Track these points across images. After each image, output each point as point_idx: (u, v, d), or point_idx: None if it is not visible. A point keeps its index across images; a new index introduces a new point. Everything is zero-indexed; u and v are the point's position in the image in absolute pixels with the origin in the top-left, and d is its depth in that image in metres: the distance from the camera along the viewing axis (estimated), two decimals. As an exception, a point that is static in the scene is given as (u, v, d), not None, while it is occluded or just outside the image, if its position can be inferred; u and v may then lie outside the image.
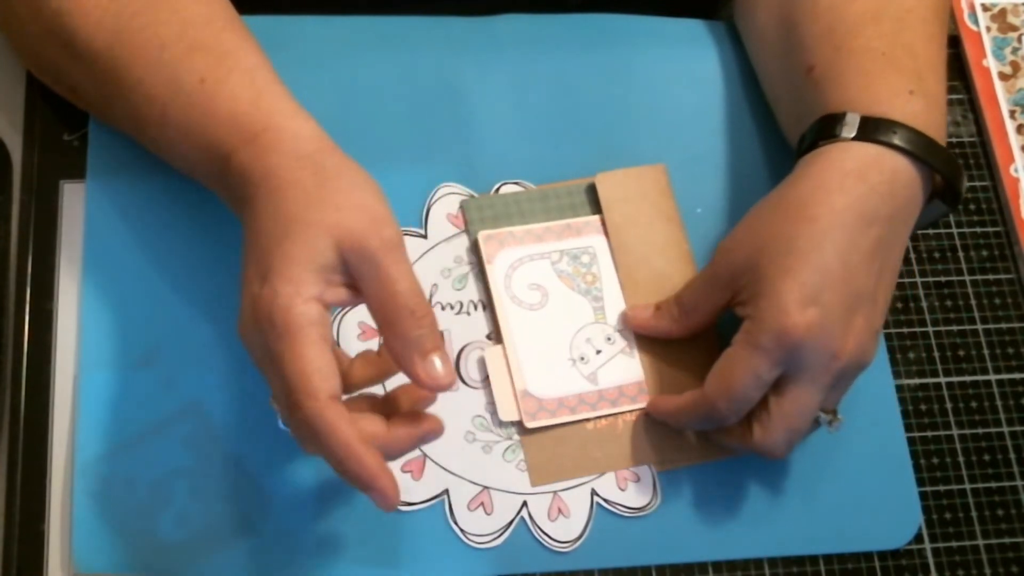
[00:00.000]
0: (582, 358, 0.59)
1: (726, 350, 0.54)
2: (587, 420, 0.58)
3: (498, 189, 0.63)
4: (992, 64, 0.71)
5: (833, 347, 0.53)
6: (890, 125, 0.55)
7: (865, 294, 0.54)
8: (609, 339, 0.60)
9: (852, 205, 0.54)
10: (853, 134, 0.55)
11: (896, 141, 0.55)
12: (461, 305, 0.60)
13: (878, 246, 0.54)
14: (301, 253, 0.48)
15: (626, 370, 0.59)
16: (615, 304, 0.61)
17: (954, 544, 0.59)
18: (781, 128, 0.64)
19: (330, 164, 0.51)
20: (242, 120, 0.52)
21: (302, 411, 0.47)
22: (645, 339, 0.60)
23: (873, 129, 0.55)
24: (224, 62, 0.53)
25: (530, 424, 0.57)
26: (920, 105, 0.57)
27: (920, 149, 0.55)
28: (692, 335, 0.59)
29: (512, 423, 0.58)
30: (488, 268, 0.60)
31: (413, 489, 0.56)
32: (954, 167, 0.57)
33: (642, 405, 0.58)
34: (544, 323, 0.59)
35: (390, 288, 0.49)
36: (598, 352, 0.59)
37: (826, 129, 0.57)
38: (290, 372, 0.47)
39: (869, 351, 0.55)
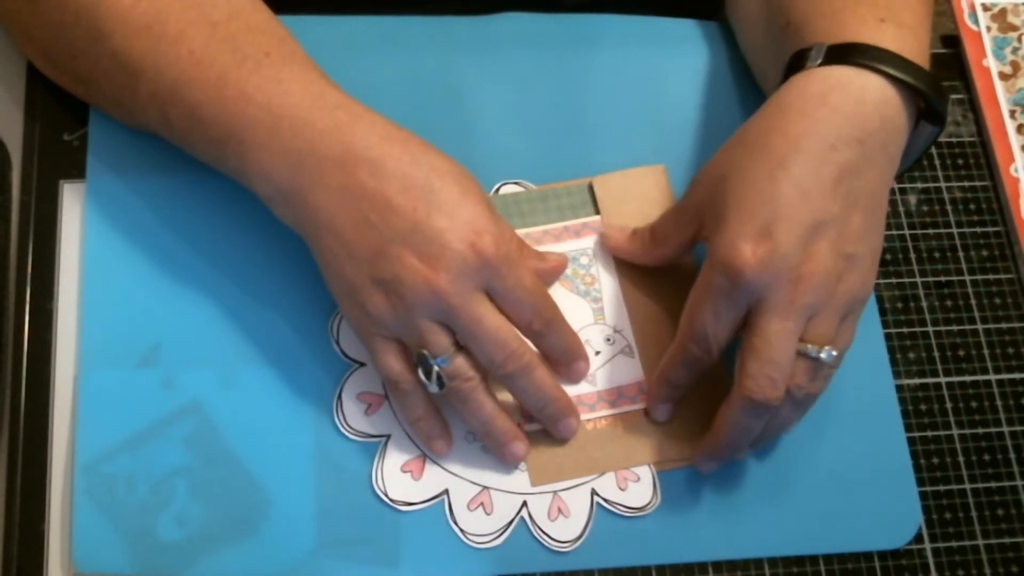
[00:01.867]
0: None
1: (690, 293, 0.55)
2: (587, 421, 0.58)
3: (498, 189, 0.63)
4: (992, 64, 0.71)
5: (791, 276, 0.52)
6: (857, 48, 0.55)
7: (828, 219, 0.52)
8: (608, 340, 0.60)
9: (810, 129, 0.53)
10: (819, 62, 0.55)
11: (864, 61, 0.54)
12: (461, 305, 0.60)
13: (844, 170, 0.53)
14: (484, 198, 0.54)
15: (625, 371, 0.59)
16: (614, 305, 0.61)
17: (954, 544, 0.59)
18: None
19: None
20: (316, 90, 0.54)
21: (549, 310, 0.56)
22: (648, 339, 0.60)
23: (839, 54, 0.55)
24: (285, 44, 0.55)
25: (528, 428, 0.57)
26: (892, 31, 0.56)
27: (891, 66, 0.54)
28: (663, 264, 0.60)
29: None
30: None
31: (413, 489, 0.56)
32: (931, 81, 0.55)
33: (641, 406, 0.58)
34: None
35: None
36: (597, 353, 0.59)
37: (794, 65, 0.56)
38: (537, 289, 0.55)
39: (846, 275, 0.53)
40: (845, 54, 0.55)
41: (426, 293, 0.51)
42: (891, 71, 0.54)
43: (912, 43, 0.56)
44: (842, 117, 0.53)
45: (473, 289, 0.52)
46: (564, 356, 0.57)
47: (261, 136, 0.53)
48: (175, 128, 0.56)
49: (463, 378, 0.54)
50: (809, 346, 0.53)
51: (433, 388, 0.54)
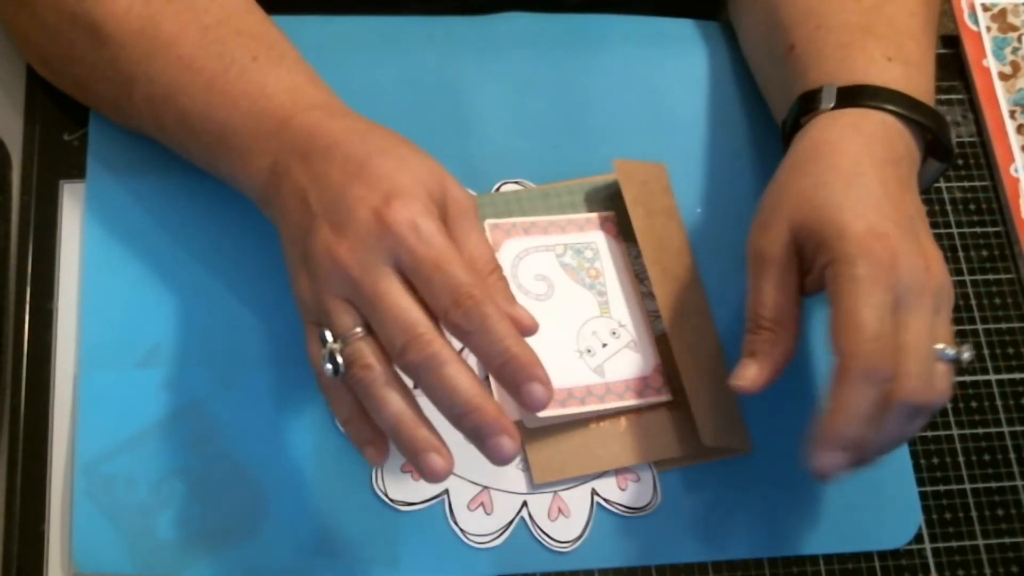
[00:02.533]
0: (588, 350, 0.59)
1: (831, 308, 0.50)
2: (592, 415, 0.58)
3: (498, 188, 0.63)
4: (992, 64, 0.71)
5: (920, 262, 0.51)
6: (868, 90, 0.55)
7: (916, 217, 0.53)
8: (614, 333, 0.60)
9: (864, 149, 0.53)
10: (832, 104, 0.56)
11: (876, 104, 0.55)
12: (461, 305, 0.60)
13: (900, 179, 0.54)
14: (423, 184, 0.49)
15: (631, 364, 0.59)
16: (619, 299, 0.61)
17: (954, 544, 0.59)
18: (773, 115, 0.64)
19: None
20: (300, 93, 0.53)
21: (475, 301, 0.46)
22: (653, 335, 0.60)
23: (851, 96, 0.56)
24: (274, 47, 0.55)
25: (540, 413, 0.56)
26: (899, 70, 0.57)
27: (900, 106, 0.55)
28: (795, 346, 0.54)
29: (513, 423, 0.58)
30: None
31: (413, 489, 0.56)
32: (939, 120, 0.56)
33: (646, 400, 0.58)
34: (551, 314, 0.59)
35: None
36: (604, 345, 0.59)
37: (805, 106, 0.57)
38: (459, 268, 0.46)
39: (946, 273, 0.53)
40: (856, 96, 0.55)
41: (328, 264, 0.47)
42: (903, 112, 0.55)
43: (919, 80, 0.57)
44: (878, 142, 0.54)
45: (379, 262, 0.47)
46: (504, 369, 0.47)
47: (245, 141, 0.53)
48: (169, 133, 0.56)
49: (360, 364, 0.47)
50: (946, 348, 0.51)
51: (327, 370, 0.48)
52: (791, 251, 0.53)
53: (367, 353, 0.48)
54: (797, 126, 0.57)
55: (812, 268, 0.53)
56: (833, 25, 0.59)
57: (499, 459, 0.47)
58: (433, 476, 0.47)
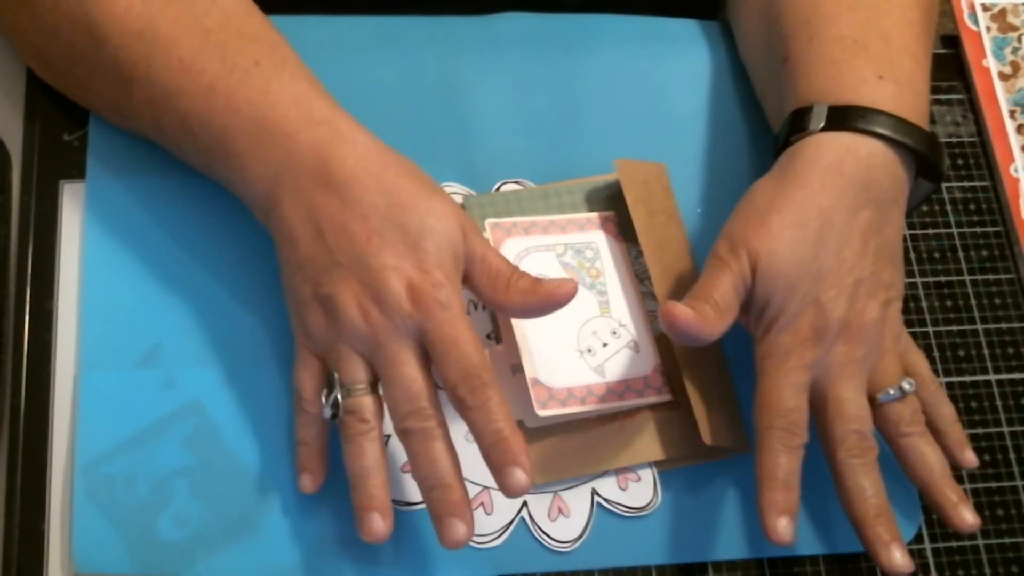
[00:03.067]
0: (589, 350, 0.59)
1: (761, 378, 0.55)
2: (592, 415, 0.58)
3: (498, 188, 0.63)
4: (992, 64, 0.71)
5: (845, 335, 0.55)
6: (858, 111, 0.56)
7: (864, 278, 0.55)
8: (615, 333, 0.60)
9: (838, 202, 0.55)
10: (821, 125, 0.56)
11: (865, 127, 0.55)
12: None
13: (868, 231, 0.55)
14: (447, 244, 0.52)
15: (631, 364, 0.59)
16: (620, 299, 0.61)
17: (954, 544, 0.59)
18: (769, 122, 0.65)
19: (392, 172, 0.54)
20: (303, 103, 0.54)
21: (483, 382, 0.50)
22: (653, 335, 0.60)
23: (841, 118, 0.56)
24: (276, 52, 0.55)
25: (542, 412, 0.56)
26: (890, 89, 0.57)
27: (891, 130, 0.56)
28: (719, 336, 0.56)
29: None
30: None
31: (413, 489, 0.56)
32: (930, 143, 0.57)
33: (646, 400, 0.58)
34: (551, 314, 0.59)
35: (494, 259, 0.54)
36: (604, 345, 0.59)
37: (796, 123, 0.57)
38: (474, 349, 0.51)
39: (888, 319, 0.56)
40: (846, 118, 0.56)
41: (358, 321, 0.51)
42: (892, 135, 0.56)
43: (911, 99, 0.57)
44: (859, 185, 0.55)
45: (403, 333, 0.51)
46: (492, 449, 0.50)
47: (246, 146, 0.53)
48: (168, 135, 0.56)
49: (359, 417, 0.52)
50: (890, 390, 0.56)
51: (326, 412, 0.52)
52: (747, 281, 0.55)
53: (368, 408, 0.52)
54: (788, 143, 0.58)
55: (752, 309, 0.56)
56: (827, 37, 0.59)
57: (451, 540, 0.50)
58: (371, 537, 0.51)
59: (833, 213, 0.55)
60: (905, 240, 0.66)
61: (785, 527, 0.52)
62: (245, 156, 0.53)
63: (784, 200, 0.55)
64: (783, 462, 0.53)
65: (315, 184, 0.52)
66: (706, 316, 0.54)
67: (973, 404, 0.63)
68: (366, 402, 0.52)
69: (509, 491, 0.50)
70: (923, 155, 0.57)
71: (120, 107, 0.57)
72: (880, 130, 0.55)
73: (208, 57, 0.54)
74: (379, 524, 0.51)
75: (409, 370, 0.51)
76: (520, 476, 0.50)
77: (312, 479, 0.54)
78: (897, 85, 0.57)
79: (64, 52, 0.57)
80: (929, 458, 0.56)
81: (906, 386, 0.56)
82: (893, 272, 0.57)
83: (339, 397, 0.52)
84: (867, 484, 0.54)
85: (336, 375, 0.52)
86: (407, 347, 0.51)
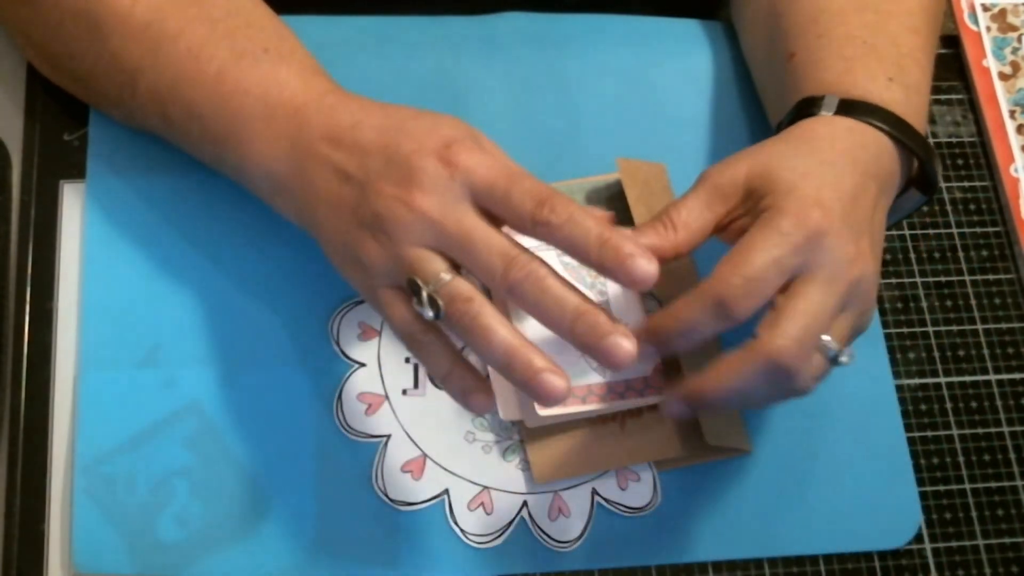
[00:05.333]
0: None
1: (741, 239, 0.50)
2: (593, 415, 0.58)
3: (498, 189, 0.63)
4: (992, 64, 0.71)
5: (849, 250, 0.51)
6: (867, 106, 0.56)
7: (864, 227, 0.53)
8: None
9: (850, 150, 0.54)
10: (831, 113, 0.56)
11: (873, 121, 0.55)
12: (461, 305, 0.60)
13: (870, 194, 0.54)
14: (462, 124, 0.50)
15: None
16: (620, 299, 0.61)
17: (954, 544, 0.59)
18: (768, 117, 0.65)
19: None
20: (312, 82, 0.53)
21: (560, 198, 0.47)
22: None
23: (851, 109, 0.56)
24: (284, 41, 0.55)
25: (542, 412, 0.56)
26: (899, 94, 0.57)
27: (897, 130, 0.55)
28: (678, 256, 0.53)
29: (513, 423, 0.58)
30: None
31: (413, 489, 0.56)
32: (930, 151, 0.57)
33: (647, 400, 0.58)
34: None
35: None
36: None
37: (804, 110, 0.57)
38: (530, 177, 0.48)
39: (874, 284, 0.53)
40: (856, 111, 0.56)
41: (405, 216, 0.48)
42: (898, 136, 0.55)
43: (917, 106, 0.57)
44: (868, 152, 0.54)
45: (455, 200, 0.48)
46: (603, 252, 0.47)
47: (258, 127, 0.53)
48: (175, 126, 0.56)
49: (462, 299, 0.47)
50: (832, 342, 0.50)
51: (428, 314, 0.48)
52: (736, 187, 0.53)
53: (465, 288, 0.48)
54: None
55: (746, 214, 0.53)
56: (836, 36, 0.59)
57: (617, 360, 0.47)
58: (553, 397, 0.47)
59: (844, 155, 0.53)
60: (905, 240, 0.66)
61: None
62: (256, 136, 0.53)
63: (789, 136, 0.55)
64: (705, 322, 0.49)
65: (328, 144, 0.51)
66: (650, 242, 0.52)
67: (973, 404, 0.63)
68: (460, 284, 0.48)
69: (637, 276, 0.47)
70: (922, 162, 0.57)
71: (123, 100, 0.57)
72: (886, 127, 0.55)
73: (216, 45, 0.54)
74: (557, 382, 0.47)
75: (482, 231, 0.48)
76: (643, 264, 0.47)
77: (484, 395, 0.49)
78: (905, 90, 0.57)
79: (66, 47, 0.57)
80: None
81: (844, 358, 0.51)
82: (878, 253, 0.54)
83: (428, 292, 0.48)
84: (753, 384, 0.49)
85: (416, 280, 0.48)
86: (467, 211, 0.48)
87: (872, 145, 0.55)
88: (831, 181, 0.52)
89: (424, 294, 0.48)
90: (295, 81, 0.53)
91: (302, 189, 0.52)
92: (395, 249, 0.49)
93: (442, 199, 0.48)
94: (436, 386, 0.58)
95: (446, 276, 0.48)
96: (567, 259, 0.61)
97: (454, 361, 0.50)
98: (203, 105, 0.54)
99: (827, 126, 0.55)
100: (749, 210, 0.53)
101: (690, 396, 0.51)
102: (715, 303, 0.49)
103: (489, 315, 0.48)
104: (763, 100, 0.66)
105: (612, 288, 0.61)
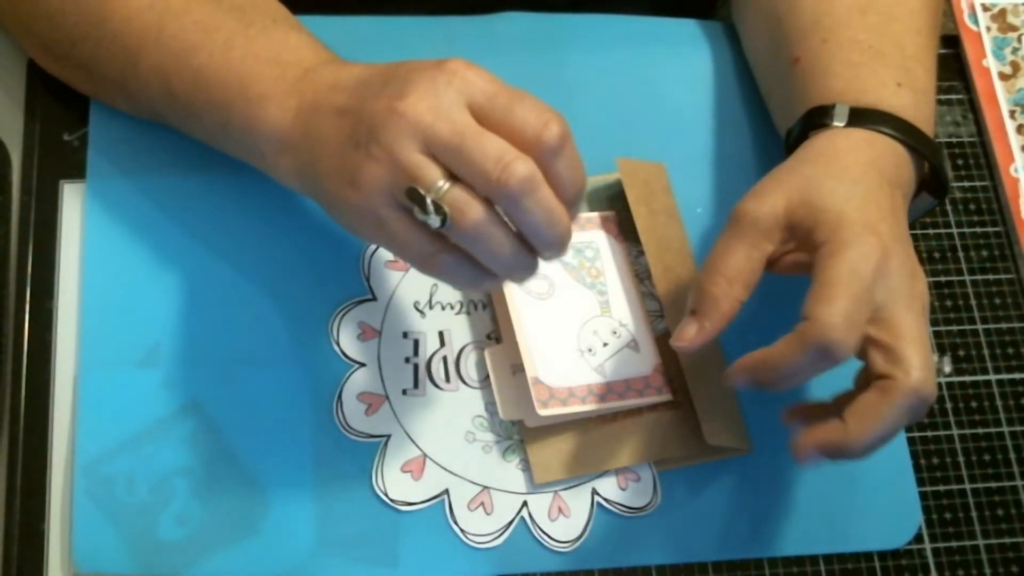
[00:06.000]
0: (590, 350, 0.59)
1: (812, 282, 0.50)
2: (593, 415, 0.58)
3: (498, 189, 0.63)
4: (992, 64, 0.71)
5: (909, 266, 0.52)
6: (879, 114, 0.56)
7: (906, 236, 0.53)
8: (615, 333, 0.60)
9: (873, 163, 0.54)
10: (844, 123, 0.56)
11: (886, 129, 0.55)
12: (461, 305, 0.60)
13: (897, 202, 0.54)
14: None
15: (632, 364, 0.59)
16: (620, 298, 0.61)
17: (954, 544, 0.59)
18: (773, 121, 0.65)
19: None
20: (320, 49, 0.54)
21: (559, 116, 0.46)
22: (654, 335, 0.60)
23: (863, 118, 0.56)
24: (291, 17, 0.56)
25: (542, 412, 0.56)
26: (908, 98, 0.57)
27: (910, 137, 0.55)
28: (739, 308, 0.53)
29: (513, 423, 0.58)
30: None
31: (413, 489, 0.56)
32: (940, 154, 0.57)
33: (647, 400, 0.58)
34: (552, 313, 0.59)
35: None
36: (605, 344, 0.59)
37: (815, 120, 0.57)
38: (534, 97, 0.47)
39: (928, 291, 0.53)
40: (868, 119, 0.56)
41: (397, 121, 0.46)
42: (911, 142, 0.55)
43: (925, 110, 0.58)
44: (888, 162, 0.55)
45: (450, 104, 0.46)
46: (572, 186, 0.48)
47: (267, 86, 0.52)
48: (179, 99, 0.55)
49: (465, 204, 0.46)
50: (933, 355, 0.53)
51: (435, 223, 0.46)
52: (778, 222, 0.53)
53: (466, 196, 0.46)
54: (804, 137, 0.57)
55: (796, 248, 0.53)
56: (841, 41, 0.59)
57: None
58: (560, 247, 0.48)
59: (870, 168, 0.53)
60: (905, 240, 0.66)
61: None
62: (266, 97, 0.52)
63: (815, 157, 0.55)
64: (808, 369, 0.50)
65: (332, 91, 0.50)
66: (707, 319, 0.52)
67: (973, 404, 0.63)
68: (460, 192, 0.46)
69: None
70: (934, 167, 0.57)
71: (125, 80, 0.57)
72: (898, 135, 0.55)
73: (224, 16, 0.54)
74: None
75: (475, 131, 0.46)
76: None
77: (526, 272, 0.49)
78: (914, 94, 0.57)
79: (67, 34, 0.57)
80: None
81: (947, 368, 0.53)
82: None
83: (431, 199, 0.46)
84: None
85: (417, 188, 0.46)
86: (461, 111, 0.46)
87: (890, 154, 0.55)
88: (872, 200, 0.52)
89: (428, 201, 0.46)
90: (304, 47, 0.54)
91: (306, 139, 0.51)
92: (392, 160, 0.46)
93: (436, 102, 0.46)
94: (436, 386, 0.58)
95: (444, 184, 0.46)
96: (566, 259, 0.61)
97: (474, 270, 0.48)
98: (210, 71, 0.53)
99: (845, 139, 0.55)
100: (801, 243, 0.53)
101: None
102: (817, 347, 0.49)
103: (494, 221, 0.47)
104: (768, 104, 0.65)
105: (612, 288, 0.61)
